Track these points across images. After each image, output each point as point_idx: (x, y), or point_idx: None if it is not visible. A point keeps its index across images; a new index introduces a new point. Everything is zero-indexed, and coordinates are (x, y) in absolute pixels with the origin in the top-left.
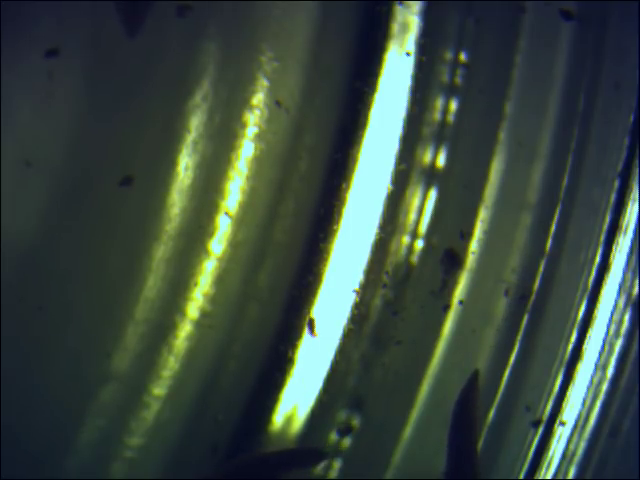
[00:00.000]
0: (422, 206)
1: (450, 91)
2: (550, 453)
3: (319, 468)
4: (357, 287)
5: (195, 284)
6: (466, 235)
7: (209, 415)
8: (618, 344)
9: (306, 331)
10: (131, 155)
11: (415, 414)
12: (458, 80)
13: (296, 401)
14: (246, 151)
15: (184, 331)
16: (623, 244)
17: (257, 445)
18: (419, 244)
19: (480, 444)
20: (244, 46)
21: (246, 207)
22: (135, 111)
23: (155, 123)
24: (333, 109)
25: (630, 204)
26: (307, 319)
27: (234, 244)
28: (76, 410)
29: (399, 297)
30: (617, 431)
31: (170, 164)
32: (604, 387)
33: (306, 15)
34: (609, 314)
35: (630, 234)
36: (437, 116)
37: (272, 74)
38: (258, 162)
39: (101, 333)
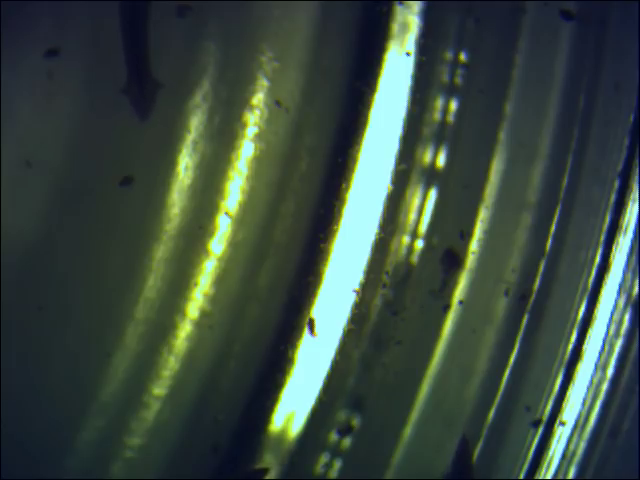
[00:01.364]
0: (422, 206)
1: (450, 91)
2: (550, 453)
3: (319, 468)
4: (357, 287)
5: (195, 284)
6: (466, 235)
7: (209, 415)
8: (618, 344)
9: (306, 331)
10: (131, 155)
11: (415, 414)
12: (458, 80)
13: (296, 401)
14: (246, 151)
15: (184, 331)
16: (623, 244)
17: (257, 445)
18: (419, 244)
19: (480, 444)
20: (244, 46)
21: (246, 207)
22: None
23: (155, 123)
24: (333, 109)
25: (630, 204)
26: (307, 319)
27: (234, 244)
28: (76, 410)
29: (399, 297)
30: (617, 431)
31: (170, 164)
32: (604, 387)
33: (306, 15)
34: (609, 314)
35: (630, 234)
36: (437, 116)
37: (272, 74)
38: (258, 162)
39: (101, 333)
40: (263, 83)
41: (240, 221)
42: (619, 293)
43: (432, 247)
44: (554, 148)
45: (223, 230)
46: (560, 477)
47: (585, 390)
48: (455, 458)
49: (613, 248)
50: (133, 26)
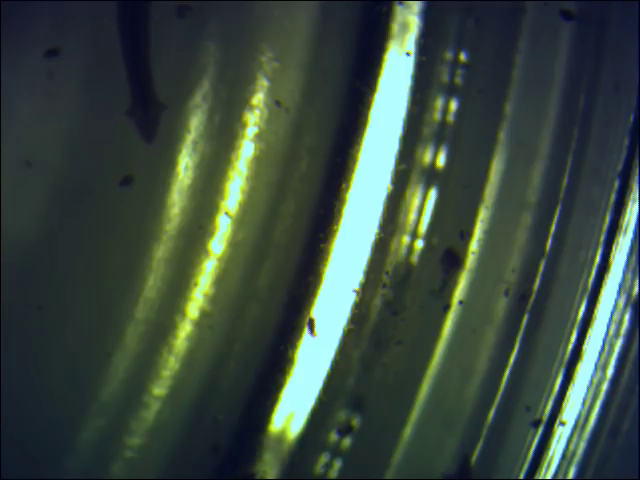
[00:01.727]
0: (422, 206)
1: (450, 91)
2: (550, 453)
3: (319, 468)
4: (357, 287)
5: (195, 284)
6: (466, 235)
7: (209, 415)
8: (618, 344)
9: (306, 331)
10: (131, 155)
11: (415, 414)
12: (458, 80)
13: (296, 401)
14: (246, 151)
15: (184, 331)
16: (623, 244)
17: (257, 445)
18: (419, 244)
19: (480, 444)
20: (244, 46)
21: (246, 207)
22: None
23: None
24: (333, 109)
25: (630, 204)
26: (307, 319)
27: (234, 244)
28: (76, 410)
29: (399, 297)
30: (617, 431)
31: (170, 164)
32: (604, 387)
33: (306, 15)
34: (609, 314)
35: (630, 234)
36: (437, 116)
37: (272, 74)
38: (258, 162)
39: (101, 333)
40: (263, 83)
41: (240, 221)
42: (619, 293)
43: (432, 247)
44: (554, 148)
45: (223, 230)
46: (560, 477)
47: (585, 390)
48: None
49: (613, 248)
50: (135, 49)
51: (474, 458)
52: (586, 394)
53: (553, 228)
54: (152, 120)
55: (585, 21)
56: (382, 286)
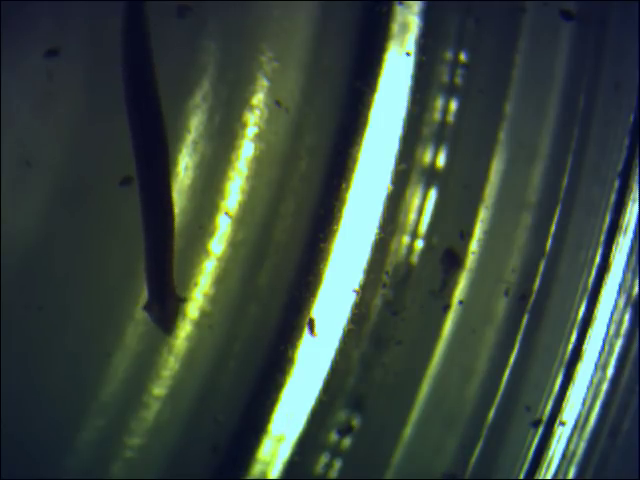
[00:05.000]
0: (422, 206)
1: (450, 91)
2: (550, 453)
3: (319, 468)
4: (357, 287)
5: (195, 284)
6: (466, 235)
7: (209, 415)
8: (618, 344)
9: (306, 331)
10: (131, 155)
11: (415, 414)
12: (458, 80)
13: (296, 401)
14: (246, 151)
15: (184, 331)
16: (623, 244)
17: (257, 445)
18: (419, 244)
19: (480, 444)
20: (244, 46)
21: (246, 207)
22: None
23: None
24: (333, 109)
25: (630, 204)
26: (307, 319)
27: (234, 244)
28: (76, 410)
29: (399, 297)
30: (617, 431)
31: (170, 164)
32: (604, 387)
33: (306, 15)
34: (609, 314)
35: (630, 234)
36: (437, 116)
37: (272, 74)
38: (258, 162)
39: (101, 333)
40: (263, 83)
41: (240, 221)
42: (619, 293)
43: (432, 247)
44: (554, 148)
45: (223, 230)
46: (560, 477)
47: (585, 390)
48: None
49: (613, 248)
50: (157, 250)
51: (474, 458)
52: (586, 394)
53: (553, 228)
54: (170, 314)
55: (585, 21)
56: (382, 286)
